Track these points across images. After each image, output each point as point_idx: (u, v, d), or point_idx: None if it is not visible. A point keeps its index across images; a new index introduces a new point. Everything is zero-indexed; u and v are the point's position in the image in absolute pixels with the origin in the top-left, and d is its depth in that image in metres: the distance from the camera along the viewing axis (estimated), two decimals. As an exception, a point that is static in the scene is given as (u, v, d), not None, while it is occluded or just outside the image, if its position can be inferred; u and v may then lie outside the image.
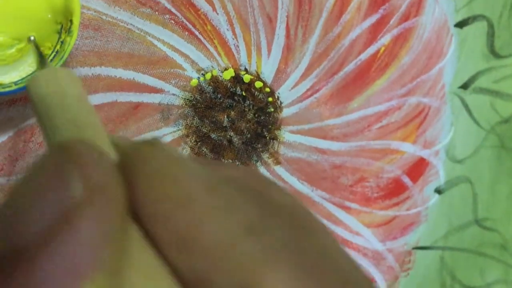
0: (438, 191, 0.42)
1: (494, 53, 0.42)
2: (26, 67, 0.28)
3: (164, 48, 0.32)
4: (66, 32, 0.28)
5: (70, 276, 0.10)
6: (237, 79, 0.34)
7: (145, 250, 0.13)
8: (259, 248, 0.12)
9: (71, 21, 0.27)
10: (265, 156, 0.36)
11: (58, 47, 0.28)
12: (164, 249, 0.12)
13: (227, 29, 0.33)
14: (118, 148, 0.16)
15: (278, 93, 0.35)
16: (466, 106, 0.42)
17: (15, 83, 0.27)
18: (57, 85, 0.20)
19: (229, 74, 0.34)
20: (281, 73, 0.35)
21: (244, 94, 0.34)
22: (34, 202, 0.11)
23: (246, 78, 0.34)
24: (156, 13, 0.31)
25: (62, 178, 0.12)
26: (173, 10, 0.32)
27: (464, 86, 0.41)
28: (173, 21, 0.32)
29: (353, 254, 0.39)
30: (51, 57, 0.28)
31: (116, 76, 0.31)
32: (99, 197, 0.12)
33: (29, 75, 0.28)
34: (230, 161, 0.35)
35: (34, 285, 0.10)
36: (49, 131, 0.17)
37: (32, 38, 0.28)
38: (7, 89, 0.26)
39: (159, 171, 0.13)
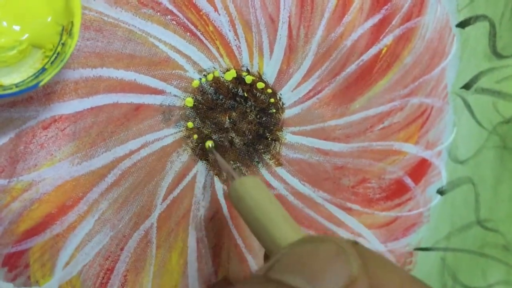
0: (441, 192, 0.42)
1: (496, 54, 0.41)
2: (28, 68, 0.28)
3: (166, 49, 0.32)
4: (67, 34, 0.28)
5: None
6: (239, 80, 0.34)
7: None
8: None
9: (72, 22, 0.27)
10: (266, 157, 0.36)
11: (59, 48, 0.28)
12: None
13: (229, 30, 0.33)
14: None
15: (280, 94, 0.35)
16: (468, 107, 0.41)
17: (16, 85, 0.27)
18: (257, 191, 0.27)
19: (231, 75, 0.34)
20: (283, 74, 0.35)
21: (246, 95, 0.34)
22: (327, 268, 0.19)
23: (248, 79, 0.34)
24: (158, 14, 0.31)
25: (345, 258, 0.19)
26: (174, 11, 0.32)
27: (466, 87, 0.41)
28: (174, 22, 0.32)
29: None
30: (52, 59, 0.28)
31: (117, 77, 0.31)
32: (363, 275, 0.19)
33: (30, 77, 0.27)
34: (231, 162, 0.35)
35: None
36: (260, 227, 0.25)
37: (210, 145, 0.33)
38: (8, 91, 0.26)
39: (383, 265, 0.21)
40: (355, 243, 0.22)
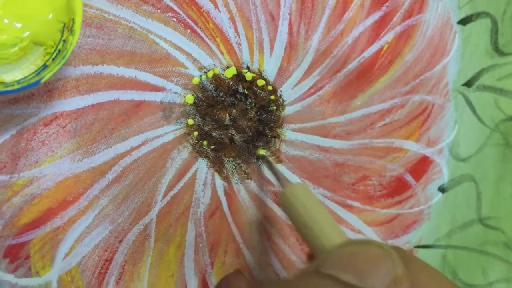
0: (442, 189, 0.42)
1: (498, 51, 0.41)
2: (29, 65, 0.28)
3: (166, 46, 0.32)
4: (68, 31, 0.28)
5: None
6: (239, 77, 0.34)
7: None
8: None
9: (73, 20, 0.28)
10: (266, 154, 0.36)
11: (60, 45, 0.28)
12: None
13: (229, 27, 0.33)
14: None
15: (281, 91, 0.35)
16: (470, 104, 0.41)
17: (18, 82, 0.27)
18: (308, 197, 0.29)
19: (231, 72, 0.34)
20: (283, 71, 0.35)
21: (246, 92, 0.34)
22: (375, 268, 0.21)
23: (248, 76, 0.34)
24: (158, 11, 0.32)
25: (390, 261, 0.21)
26: (175, 8, 0.32)
27: (468, 84, 0.41)
28: (175, 19, 0.32)
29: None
30: (53, 56, 0.28)
31: (118, 74, 0.31)
32: (407, 277, 0.21)
33: (31, 74, 0.28)
34: (231, 159, 0.35)
35: None
36: (312, 229, 0.27)
37: (264, 153, 0.35)
38: (10, 88, 0.27)
39: (428, 275, 0.23)
40: (397, 248, 0.24)
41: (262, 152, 0.35)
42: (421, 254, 0.42)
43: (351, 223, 0.39)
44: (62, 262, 0.31)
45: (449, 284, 0.24)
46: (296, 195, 0.29)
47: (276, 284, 0.25)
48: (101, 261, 0.32)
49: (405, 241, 0.41)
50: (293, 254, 0.37)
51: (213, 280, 0.35)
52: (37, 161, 0.30)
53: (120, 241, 0.32)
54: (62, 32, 0.28)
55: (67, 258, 0.31)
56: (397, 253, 0.22)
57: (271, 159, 0.35)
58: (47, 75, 0.27)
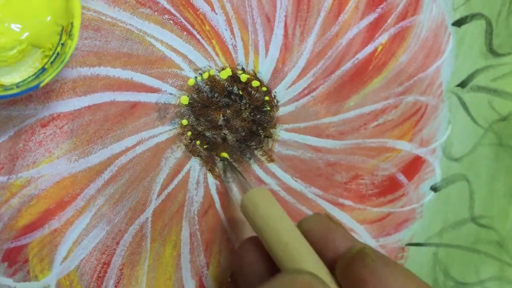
0: (434, 188, 0.42)
1: (492, 52, 0.42)
2: (27, 68, 0.29)
3: (162, 48, 0.33)
4: (67, 35, 0.28)
5: None
6: (234, 78, 0.35)
7: None
8: None
9: (72, 24, 0.28)
10: (258, 153, 0.36)
11: (59, 49, 0.28)
12: None
13: (226, 29, 0.34)
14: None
15: (275, 92, 0.36)
16: (463, 104, 0.42)
17: (17, 85, 0.28)
18: (269, 203, 0.28)
19: (226, 73, 0.34)
20: (278, 72, 0.36)
21: (240, 93, 0.35)
22: None
23: (243, 77, 0.35)
24: (155, 13, 0.32)
25: None
26: (172, 10, 0.32)
27: (462, 85, 0.41)
28: (171, 21, 0.33)
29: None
30: (52, 59, 0.28)
31: (114, 76, 0.32)
32: None
33: (30, 77, 0.28)
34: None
35: None
36: (272, 239, 0.26)
37: (222, 159, 0.35)
38: (9, 92, 0.27)
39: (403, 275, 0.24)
40: (362, 249, 0.25)
41: (224, 155, 0.35)
42: (412, 252, 0.42)
43: (343, 221, 0.40)
44: (61, 266, 0.32)
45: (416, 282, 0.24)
46: (254, 202, 0.28)
47: None
48: (99, 265, 0.33)
49: (397, 239, 0.42)
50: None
51: (210, 283, 0.36)
52: (34, 162, 0.30)
53: (117, 243, 0.33)
54: (61, 35, 0.29)
55: (65, 261, 0.32)
56: (330, 278, 0.24)
57: (229, 160, 0.35)
58: (46, 79, 0.28)
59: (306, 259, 0.25)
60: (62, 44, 0.28)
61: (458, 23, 0.40)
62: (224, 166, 0.34)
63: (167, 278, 0.35)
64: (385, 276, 0.23)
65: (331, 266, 0.26)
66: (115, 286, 0.33)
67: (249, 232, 0.37)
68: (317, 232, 0.27)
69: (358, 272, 0.24)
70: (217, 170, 0.35)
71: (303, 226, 0.28)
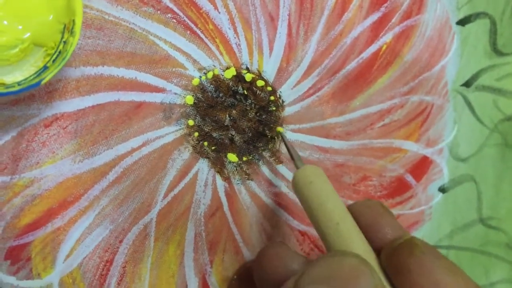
0: (442, 189, 0.42)
1: (497, 51, 0.42)
2: (29, 67, 0.28)
3: (166, 47, 0.32)
4: (69, 32, 0.28)
5: None
6: (238, 77, 0.34)
7: None
8: None
9: (73, 21, 0.28)
10: (266, 155, 0.36)
11: (61, 47, 0.28)
12: None
13: (229, 28, 0.34)
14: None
15: (280, 91, 0.36)
16: (469, 104, 0.42)
17: (19, 83, 0.27)
18: (323, 181, 0.29)
19: (230, 73, 0.34)
20: (282, 72, 0.35)
21: (245, 93, 0.35)
22: (351, 281, 0.20)
23: (248, 76, 0.34)
24: (158, 12, 0.32)
25: (367, 273, 0.21)
26: (175, 9, 0.32)
27: (467, 84, 0.41)
28: (175, 20, 0.32)
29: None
30: (53, 57, 0.28)
31: (118, 76, 0.31)
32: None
33: (32, 75, 0.28)
34: (233, 161, 0.35)
35: None
36: (323, 218, 0.26)
37: (281, 131, 0.36)
38: (10, 90, 0.27)
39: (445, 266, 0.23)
40: (412, 238, 0.24)
41: (280, 129, 0.35)
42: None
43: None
44: (64, 264, 0.31)
45: (464, 279, 0.23)
46: (308, 179, 0.28)
47: None
48: (102, 262, 0.32)
49: (406, 242, 0.41)
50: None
51: (213, 280, 0.35)
52: (37, 162, 0.30)
53: (121, 241, 0.32)
54: (63, 33, 0.28)
55: (68, 259, 0.31)
56: (376, 262, 0.23)
57: (286, 137, 0.35)
58: (47, 77, 0.27)
59: (356, 241, 0.25)
60: (64, 42, 0.28)
61: (463, 22, 0.40)
62: (278, 140, 0.35)
63: (170, 276, 0.34)
64: (432, 268, 0.23)
65: (377, 252, 0.26)
66: (118, 283, 0.32)
67: (257, 235, 0.36)
68: (368, 217, 0.27)
69: (405, 260, 0.24)
70: (226, 172, 0.35)
71: (354, 209, 0.28)
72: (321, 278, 0.21)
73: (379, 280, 0.21)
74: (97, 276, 0.32)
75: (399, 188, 0.40)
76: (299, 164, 0.31)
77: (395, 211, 0.40)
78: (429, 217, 0.42)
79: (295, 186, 0.29)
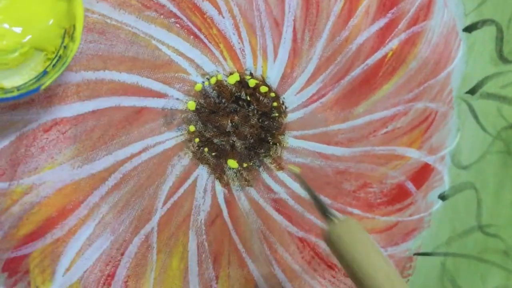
0: (442, 197, 0.42)
1: (503, 58, 0.41)
2: (29, 71, 0.28)
3: (169, 52, 0.32)
4: (69, 37, 0.27)
5: None
6: (242, 83, 0.34)
7: None
8: None
9: (74, 26, 0.27)
10: (267, 161, 0.35)
11: (61, 51, 0.27)
12: None
13: (233, 33, 0.33)
14: None
15: (283, 98, 0.35)
16: (473, 112, 0.41)
17: (18, 88, 0.27)
18: (360, 235, 0.26)
19: (234, 78, 0.33)
20: (287, 78, 0.35)
21: (248, 98, 0.34)
22: None
23: (251, 82, 0.34)
24: (161, 16, 0.31)
25: None
26: (178, 13, 0.31)
27: (472, 91, 0.41)
28: (178, 25, 0.32)
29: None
30: (53, 62, 0.27)
31: (120, 80, 0.31)
32: None
33: (31, 80, 0.27)
34: (233, 167, 0.35)
35: None
36: (362, 274, 0.25)
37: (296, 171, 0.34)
38: (9, 95, 0.26)
39: None
40: None
41: (295, 169, 0.34)
42: (420, 261, 0.42)
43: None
44: (63, 278, 0.31)
45: None
46: (345, 237, 0.26)
47: None
48: (103, 277, 0.32)
49: (405, 249, 0.41)
50: (294, 263, 0.37)
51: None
52: (36, 168, 0.29)
53: (122, 254, 0.32)
54: (63, 38, 0.28)
55: (68, 273, 0.31)
56: None
57: (303, 180, 0.33)
58: (47, 82, 0.27)
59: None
60: (65, 47, 0.27)
61: (469, 29, 0.39)
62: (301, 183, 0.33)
63: (173, 291, 0.34)
64: None
65: None
66: (119, 298, 0.32)
67: (258, 243, 0.36)
68: None
69: None
70: (225, 178, 0.34)
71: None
72: None
73: None
74: (98, 291, 0.32)
75: (399, 195, 0.40)
76: (330, 216, 0.29)
77: (394, 218, 0.40)
78: (428, 224, 0.41)
79: (332, 242, 0.27)
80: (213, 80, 0.33)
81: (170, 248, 0.33)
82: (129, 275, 0.32)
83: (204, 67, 0.33)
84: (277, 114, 0.35)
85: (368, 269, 0.25)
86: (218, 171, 0.34)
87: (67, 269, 0.31)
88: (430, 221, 0.41)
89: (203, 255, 0.34)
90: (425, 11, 0.37)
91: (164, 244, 0.33)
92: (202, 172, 0.34)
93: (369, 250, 0.26)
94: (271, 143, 0.35)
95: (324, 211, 0.29)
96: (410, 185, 0.40)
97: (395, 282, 0.25)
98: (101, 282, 0.32)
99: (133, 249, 0.32)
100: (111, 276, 0.32)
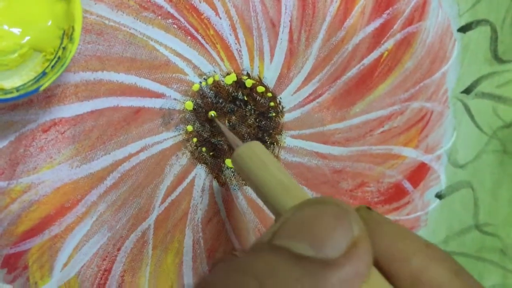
0: (439, 196, 0.42)
1: (497, 58, 0.41)
2: (28, 72, 0.28)
3: (166, 53, 0.32)
4: (68, 38, 0.28)
5: (356, 278, 0.17)
6: (239, 83, 0.34)
7: (380, 277, 0.20)
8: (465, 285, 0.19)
9: (73, 27, 0.27)
10: (265, 161, 0.36)
11: (60, 53, 0.28)
12: (397, 282, 0.20)
13: (230, 34, 0.33)
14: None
15: (280, 97, 0.35)
16: (468, 111, 0.41)
17: (17, 89, 0.27)
18: (257, 157, 0.27)
19: (231, 79, 0.34)
20: (283, 78, 0.35)
21: (245, 99, 0.34)
22: (330, 232, 0.18)
23: (248, 82, 0.34)
24: (159, 17, 0.31)
25: (347, 221, 0.18)
26: (176, 14, 0.32)
27: (467, 91, 0.41)
28: (175, 26, 0.32)
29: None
30: (52, 63, 0.28)
31: (118, 81, 0.31)
32: (365, 237, 0.18)
33: (30, 81, 0.28)
34: (231, 167, 0.35)
35: (336, 280, 0.17)
36: (264, 192, 0.25)
37: (213, 115, 0.33)
38: (8, 96, 0.27)
39: (395, 231, 0.21)
40: (369, 209, 0.22)
41: (211, 113, 0.33)
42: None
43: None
44: (61, 273, 0.31)
45: (425, 245, 0.21)
46: (248, 155, 0.27)
47: (227, 263, 0.19)
48: (100, 271, 0.32)
49: (402, 248, 0.41)
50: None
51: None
52: (35, 167, 0.30)
53: (118, 249, 0.32)
54: (62, 39, 0.28)
55: (65, 268, 0.31)
56: (356, 211, 0.19)
57: (218, 121, 0.33)
58: (46, 83, 0.27)
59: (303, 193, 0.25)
60: (63, 48, 0.28)
61: (464, 29, 0.40)
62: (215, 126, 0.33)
63: (169, 286, 0.34)
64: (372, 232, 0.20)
65: None
66: (117, 294, 0.33)
67: (254, 240, 0.36)
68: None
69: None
70: (223, 178, 0.35)
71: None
72: (298, 230, 0.18)
73: (359, 230, 0.18)
74: (95, 286, 0.32)
75: (396, 194, 0.40)
76: (239, 143, 0.29)
77: (391, 217, 0.40)
78: (425, 223, 0.42)
79: (237, 163, 0.28)
80: (210, 81, 0.33)
81: (166, 244, 0.34)
82: (125, 269, 0.33)
83: (201, 68, 0.33)
84: (274, 114, 0.35)
85: (264, 178, 0.25)
86: (216, 171, 0.34)
87: (65, 264, 0.31)
88: (427, 220, 0.42)
89: (198, 251, 0.35)
90: (420, 12, 0.38)
91: (160, 240, 0.33)
92: (200, 172, 0.34)
93: (265, 161, 0.26)
94: (268, 142, 0.35)
95: (232, 142, 0.30)
96: (407, 184, 0.40)
97: (289, 185, 0.25)
98: (98, 276, 0.32)
99: (129, 245, 0.33)
100: (108, 271, 0.32)
